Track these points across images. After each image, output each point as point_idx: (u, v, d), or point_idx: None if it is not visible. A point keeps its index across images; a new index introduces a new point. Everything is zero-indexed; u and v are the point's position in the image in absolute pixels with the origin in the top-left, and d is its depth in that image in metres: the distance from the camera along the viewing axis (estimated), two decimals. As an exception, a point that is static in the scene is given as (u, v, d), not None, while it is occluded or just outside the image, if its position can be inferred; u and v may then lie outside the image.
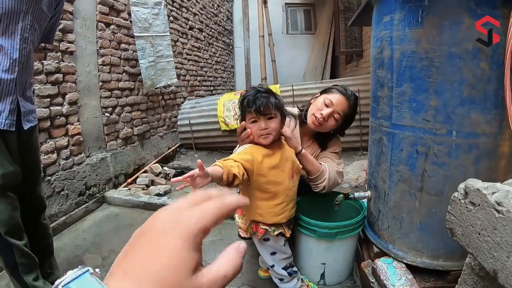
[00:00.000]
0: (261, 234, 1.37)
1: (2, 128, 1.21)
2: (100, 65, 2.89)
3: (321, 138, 1.70)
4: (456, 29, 1.09)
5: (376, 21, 1.37)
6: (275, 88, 3.99)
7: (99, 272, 1.73)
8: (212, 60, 6.14)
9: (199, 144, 4.40)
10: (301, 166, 1.47)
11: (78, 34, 2.61)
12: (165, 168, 3.60)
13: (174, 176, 3.47)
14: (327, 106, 1.56)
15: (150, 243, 0.29)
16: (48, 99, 2.29)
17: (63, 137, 2.43)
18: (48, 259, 1.54)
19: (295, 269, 1.49)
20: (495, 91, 1.11)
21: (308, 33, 8.37)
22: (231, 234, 2.11)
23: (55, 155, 2.35)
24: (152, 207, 2.64)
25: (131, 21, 3.27)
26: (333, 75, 7.19)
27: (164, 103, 4.08)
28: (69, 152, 2.48)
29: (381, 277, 1.25)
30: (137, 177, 3.27)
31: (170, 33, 3.97)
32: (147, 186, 3.14)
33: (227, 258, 0.31)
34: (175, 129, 4.37)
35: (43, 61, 2.24)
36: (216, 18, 6.47)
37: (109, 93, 3.02)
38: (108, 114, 3.01)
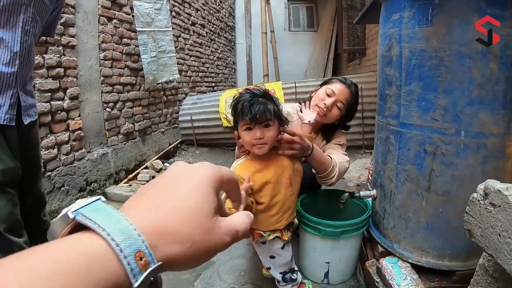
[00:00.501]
0: (256, 238, 1.33)
1: (2, 123, 1.18)
2: (101, 59, 2.87)
3: (326, 131, 1.69)
4: (466, 28, 1.08)
5: (385, 18, 1.35)
6: (277, 86, 3.97)
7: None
8: (214, 56, 6.12)
9: (200, 140, 4.38)
10: (301, 167, 1.39)
11: (79, 28, 2.58)
12: (166, 164, 3.58)
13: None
14: (329, 96, 1.57)
15: (173, 182, 0.30)
16: (49, 94, 2.27)
17: (63, 132, 2.42)
18: None
19: (294, 276, 1.42)
20: (503, 92, 1.10)
21: (311, 30, 8.35)
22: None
23: (55, 150, 2.33)
24: (153, 204, 2.63)
25: (133, 16, 3.25)
26: (335, 73, 7.17)
27: (165, 98, 4.06)
28: (69, 148, 2.46)
29: (386, 277, 1.24)
30: (138, 173, 3.25)
31: (172, 28, 3.94)
32: (148, 182, 3.12)
33: (240, 218, 0.33)
34: (176, 125, 4.36)
35: (44, 55, 2.22)
36: (218, 14, 6.43)
37: (111, 88, 3.00)
38: (109, 109, 2.99)
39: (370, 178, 2.25)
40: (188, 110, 4.32)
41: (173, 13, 4.23)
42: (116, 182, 3.04)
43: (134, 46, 3.31)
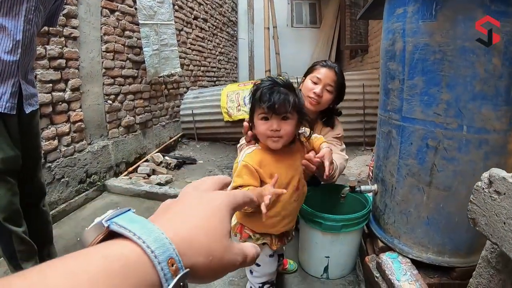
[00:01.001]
0: (243, 238, 1.20)
1: (2, 111, 1.18)
2: (103, 51, 2.86)
3: (325, 117, 1.70)
4: (469, 24, 1.07)
5: (389, 13, 1.35)
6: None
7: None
8: (216, 51, 6.09)
9: (201, 134, 4.38)
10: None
11: (82, 20, 2.57)
12: (167, 157, 3.58)
13: (176, 166, 3.45)
14: (316, 83, 1.59)
15: (195, 203, 0.33)
16: (50, 85, 2.26)
17: (64, 123, 2.41)
18: (47, 246, 1.52)
19: None
20: (506, 88, 1.10)
21: (313, 26, 8.31)
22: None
23: (56, 142, 2.33)
24: (153, 196, 2.63)
25: (136, 8, 3.23)
26: (337, 70, 7.13)
27: (167, 92, 4.06)
28: (70, 139, 2.46)
29: (386, 272, 1.24)
30: (138, 166, 3.25)
31: (175, 22, 3.92)
32: (148, 175, 3.13)
33: (250, 246, 0.36)
34: (177, 119, 4.35)
35: (46, 46, 2.21)
36: (221, 9, 6.40)
37: (112, 80, 2.99)
38: (110, 102, 2.98)
39: (371, 174, 2.25)
40: (189, 104, 4.32)
41: (176, 7, 4.21)
42: (116, 175, 3.04)
43: (136, 38, 3.30)
